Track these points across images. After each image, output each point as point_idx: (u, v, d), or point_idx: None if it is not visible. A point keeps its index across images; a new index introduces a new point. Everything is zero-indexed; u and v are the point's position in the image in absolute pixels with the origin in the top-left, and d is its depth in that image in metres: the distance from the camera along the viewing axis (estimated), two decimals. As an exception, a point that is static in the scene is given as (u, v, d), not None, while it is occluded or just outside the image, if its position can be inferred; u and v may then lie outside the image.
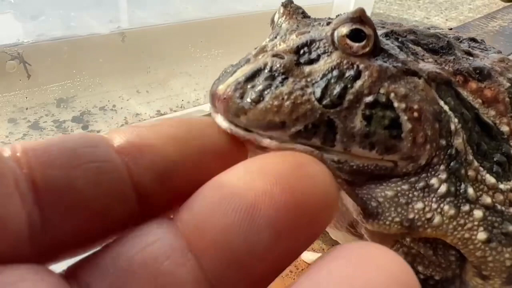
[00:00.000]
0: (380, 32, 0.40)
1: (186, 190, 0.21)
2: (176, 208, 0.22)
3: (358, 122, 0.34)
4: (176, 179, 0.22)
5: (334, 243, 0.58)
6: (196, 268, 0.19)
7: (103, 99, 0.94)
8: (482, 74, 0.43)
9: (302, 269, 0.54)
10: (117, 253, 0.19)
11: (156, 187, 0.21)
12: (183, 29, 1.01)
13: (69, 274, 0.19)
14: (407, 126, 0.35)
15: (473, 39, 0.53)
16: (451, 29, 0.65)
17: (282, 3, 0.43)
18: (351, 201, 0.40)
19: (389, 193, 0.38)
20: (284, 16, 0.42)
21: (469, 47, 0.49)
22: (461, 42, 0.51)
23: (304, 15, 0.42)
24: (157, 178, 0.21)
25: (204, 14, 1.08)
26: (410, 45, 0.41)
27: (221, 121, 0.34)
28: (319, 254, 0.54)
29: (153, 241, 0.19)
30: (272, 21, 0.44)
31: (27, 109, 0.86)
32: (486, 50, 0.51)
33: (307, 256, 0.55)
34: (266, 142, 0.32)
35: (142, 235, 0.20)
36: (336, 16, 0.38)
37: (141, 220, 0.21)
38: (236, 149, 0.25)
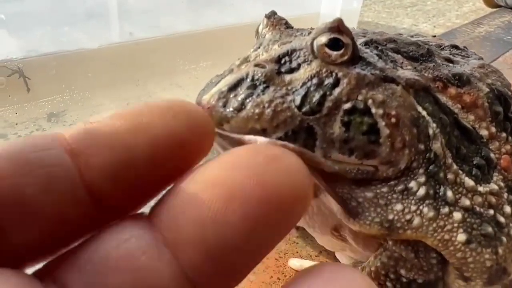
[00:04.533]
0: (359, 41, 0.41)
1: (144, 187, 0.21)
2: (136, 208, 0.22)
3: (337, 129, 0.35)
4: (130, 178, 0.20)
5: (321, 249, 0.58)
6: (173, 262, 0.19)
7: (93, 113, 0.94)
8: (461, 80, 0.44)
9: (290, 276, 0.54)
10: (93, 250, 0.19)
11: (110, 188, 0.20)
12: (171, 42, 1.02)
13: (44, 272, 0.19)
14: (385, 131, 0.36)
15: (455, 46, 0.54)
16: (434, 36, 0.67)
17: (266, 14, 0.44)
18: (334, 202, 0.40)
19: (369, 194, 0.38)
20: (268, 27, 0.43)
21: (450, 54, 0.50)
22: (442, 49, 0.52)
23: (287, 26, 0.43)
24: (109, 178, 0.20)
25: (192, 27, 1.09)
26: (390, 53, 0.42)
27: None
28: (306, 261, 0.55)
29: (129, 237, 0.19)
30: (257, 32, 0.45)
31: (17, 124, 0.86)
32: (467, 56, 0.52)
33: (294, 263, 0.56)
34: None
35: (118, 232, 0.20)
36: None
37: (100, 223, 0.20)
38: (200, 133, 0.23)
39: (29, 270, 0.19)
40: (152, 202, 0.21)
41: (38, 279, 0.18)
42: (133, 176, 0.20)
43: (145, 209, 0.22)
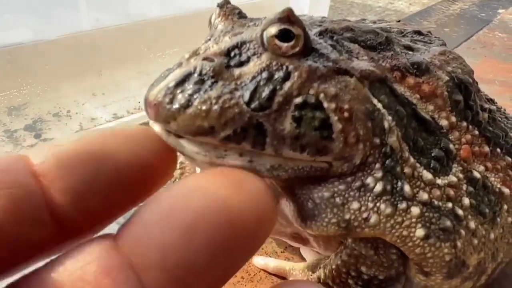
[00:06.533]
0: (314, 30, 0.40)
1: (108, 209, 0.21)
2: (100, 229, 0.22)
3: (287, 124, 0.33)
4: (93, 200, 0.21)
5: (286, 245, 0.57)
6: (138, 286, 0.18)
7: (56, 105, 0.91)
8: (420, 69, 0.42)
9: (254, 275, 0.53)
10: (57, 270, 0.18)
11: (74, 210, 0.20)
12: (136, 30, 1.00)
13: None
14: (337, 126, 0.35)
15: (417, 32, 0.52)
16: (399, 21, 0.65)
17: (218, 3, 0.42)
18: (290, 211, 0.39)
19: (326, 194, 0.37)
20: (220, 17, 0.41)
21: (411, 41, 0.49)
22: (404, 36, 0.50)
23: (241, 16, 0.41)
24: (73, 201, 0.20)
25: (162, 12, 1.06)
26: (346, 43, 0.40)
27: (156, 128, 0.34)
28: (271, 259, 0.54)
29: (94, 259, 0.19)
30: (210, 22, 0.43)
31: (-25, 120, 0.83)
32: (429, 42, 0.51)
33: (258, 261, 0.54)
34: (192, 153, 0.32)
35: (83, 253, 0.19)
36: None
37: (64, 245, 0.20)
38: (163, 158, 0.24)
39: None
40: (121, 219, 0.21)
41: None
42: (97, 199, 0.21)
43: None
